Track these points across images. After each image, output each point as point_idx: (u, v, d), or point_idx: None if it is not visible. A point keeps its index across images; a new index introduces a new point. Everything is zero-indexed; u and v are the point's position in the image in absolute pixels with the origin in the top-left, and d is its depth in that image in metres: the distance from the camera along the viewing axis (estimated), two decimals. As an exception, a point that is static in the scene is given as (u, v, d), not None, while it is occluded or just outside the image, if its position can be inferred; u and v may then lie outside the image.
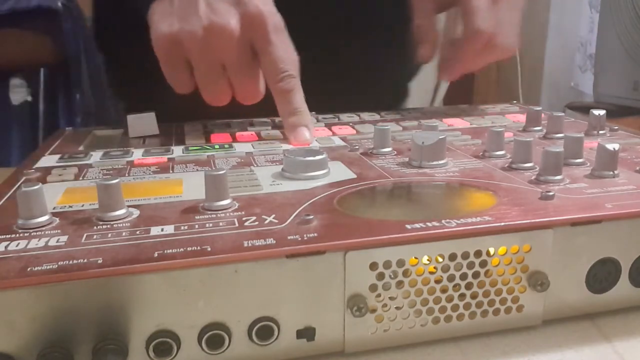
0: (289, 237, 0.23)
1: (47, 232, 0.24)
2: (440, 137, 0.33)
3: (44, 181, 0.32)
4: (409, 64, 0.69)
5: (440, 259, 0.24)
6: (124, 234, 0.24)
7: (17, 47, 1.18)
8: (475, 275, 0.24)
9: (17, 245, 0.23)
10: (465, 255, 0.24)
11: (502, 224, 0.24)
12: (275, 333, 0.23)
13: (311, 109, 0.49)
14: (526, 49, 1.92)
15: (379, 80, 0.64)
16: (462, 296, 0.24)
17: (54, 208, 0.27)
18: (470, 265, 0.24)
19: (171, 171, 0.34)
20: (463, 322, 0.25)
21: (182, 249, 0.22)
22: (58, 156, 0.38)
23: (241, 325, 0.22)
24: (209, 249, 0.22)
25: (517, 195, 0.27)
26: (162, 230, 0.24)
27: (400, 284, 0.23)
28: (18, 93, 1.24)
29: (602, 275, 0.26)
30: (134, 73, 0.58)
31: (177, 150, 0.39)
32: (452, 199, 0.29)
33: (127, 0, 0.55)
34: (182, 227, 0.24)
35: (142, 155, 0.38)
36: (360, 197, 0.29)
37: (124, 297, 0.21)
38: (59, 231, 0.24)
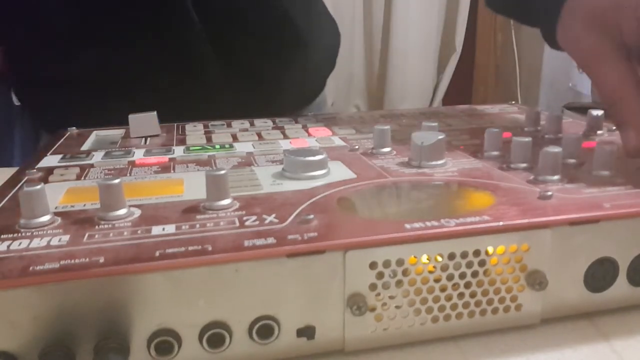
0: (289, 237, 0.23)
1: (49, 232, 0.24)
2: (440, 137, 0.33)
3: (46, 181, 0.33)
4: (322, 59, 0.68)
5: (439, 258, 0.24)
6: (125, 233, 0.24)
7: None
8: (474, 274, 0.24)
9: (19, 245, 0.23)
10: (464, 255, 0.24)
11: (501, 223, 0.24)
12: (276, 332, 0.23)
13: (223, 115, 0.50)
14: (525, 50, 1.93)
15: (288, 79, 0.63)
16: (461, 295, 0.24)
17: (55, 208, 0.27)
18: (469, 265, 0.24)
19: (172, 171, 0.34)
20: (462, 321, 0.25)
21: (183, 249, 0.22)
22: (60, 156, 0.38)
23: (242, 324, 0.23)
24: (210, 249, 0.22)
25: (515, 195, 0.28)
26: (163, 229, 0.24)
27: (399, 283, 0.24)
28: (19, 93, 1.24)
29: (600, 274, 0.26)
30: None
31: (178, 150, 0.39)
32: (451, 199, 0.30)
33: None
34: (183, 227, 0.24)
35: (144, 155, 0.38)
36: (360, 197, 0.29)
37: (125, 296, 0.21)
38: (60, 231, 0.24)
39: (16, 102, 1.23)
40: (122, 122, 0.45)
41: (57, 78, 0.56)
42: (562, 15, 0.37)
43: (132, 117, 0.44)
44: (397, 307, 0.24)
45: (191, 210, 0.27)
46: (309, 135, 0.43)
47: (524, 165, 0.32)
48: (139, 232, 0.24)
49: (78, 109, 0.55)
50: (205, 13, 0.54)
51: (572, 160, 0.33)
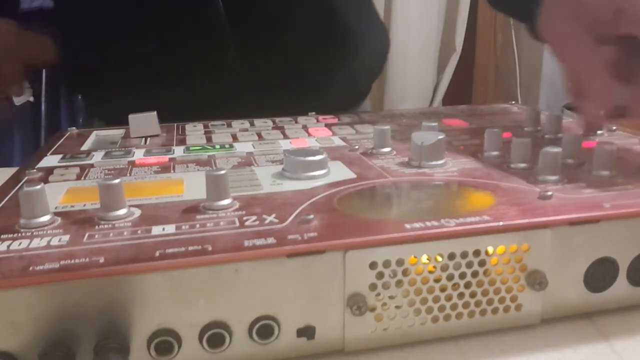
0: (289, 237, 0.23)
1: (49, 232, 0.24)
2: (440, 137, 0.33)
3: (46, 181, 0.33)
4: (368, 64, 0.68)
5: (439, 258, 0.24)
6: (125, 233, 0.24)
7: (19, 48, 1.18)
8: (474, 274, 0.24)
9: (19, 245, 0.23)
10: (464, 255, 0.24)
11: (501, 223, 0.24)
12: (276, 332, 0.23)
13: (265, 113, 0.50)
14: (525, 50, 1.93)
15: (335, 81, 0.63)
16: (461, 295, 0.25)
17: (55, 208, 0.27)
18: (469, 265, 0.24)
19: (172, 171, 0.34)
20: (462, 321, 0.25)
21: (183, 249, 0.22)
22: (60, 156, 0.38)
23: (242, 324, 0.23)
24: (210, 249, 0.22)
25: (515, 195, 0.28)
26: (163, 229, 0.24)
27: (399, 283, 0.24)
28: (20, 94, 1.24)
29: (600, 274, 0.26)
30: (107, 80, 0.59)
31: (178, 151, 0.39)
32: (450, 199, 0.30)
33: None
34: (183, 227, 0.24)
35: (144, 155, 0.38)
36: (360, 197, 0.29)
37: (125, 296, 0.21)
38: (60, 231, 0.24)
39: (17, 102, 1.23)
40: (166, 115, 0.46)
41: (105, 68, 0.58)
42: (544, 6, 0.39)
43: (132, 117, 0.44)
44: (397, 307, 0.24)
45: (191, 210, 0.27)
46: (309, 135, 0.43)
47: (524, 165, 0.32)
48: (139, 232, 0.24)
49: (125, 99, 0.57)
50: (238, 15, 0.55)
51: (572, 160, 0.33)
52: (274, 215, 0.26)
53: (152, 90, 0.55)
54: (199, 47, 0.56)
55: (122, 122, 0.45)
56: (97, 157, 0.38)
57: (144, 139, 0.44)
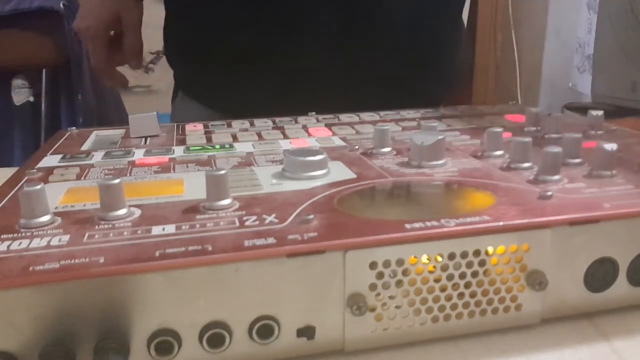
0: (289, 237, 0.23)
1: (49, 232, 0.24)
2: (440, 137, 0.33)
3: (46, 181, 0.33)
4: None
5: (439, 258, 0.24)
6: (125, 233, 0.24)
7: (19, 48, 1.19)
8: (474, 274, 0.24)
9: (19, 245, 0.23)
10: (464, 255, 0.24)
11: (501, 223, 0.24)
12: (276, 332, 0.23)
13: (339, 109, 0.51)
14: (525, 50, 1.93)
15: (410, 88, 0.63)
16: (461, 295, 0.24)
17: (55, 208, 0.27)
18: (469, 265, 0.24)
19: (172, 171, 0.34)
20: (462, 321, 0.25)
21: (183, 249, 0.22)
22: (60, 156, 0.38)
23: (242, 324, 0.23)
24: (210, 249, 0.22)
25: (515, 195, 0.28)
26: (163, 229, 0.24)
27: (399, 283, 0.24)
28: (20, 94, 1.24)
29: (600, 274, 0.26)
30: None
31: (178, 150, 0.39)
32: (451, 199, 0.30)
33: None
34: (183, 227, 0.24)
35: (144, 155, 0.38)
36: (360, 197, 0.29)
37: (125, 296, 0.21)
38: (60, 231, 0.24)
39: (17, 102, 1.23)
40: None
41: (205, 47, 0.61)
42: None
43: (132, 117, 0.44)
44: (397, 307, 0.24)
45: (191, 210, 0.27)
46: (309, 135, 0.43)
47: (524, 165, 0.32)
48: (139, 232, 0.24)
49: (220, 81, 0.60)
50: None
51: (572, 160, 0.33)
52: (274, 215, 0.26)
53: (245, 77, 0.56)
54: (295, 33, 0.57)
55: (214, 104, 0.45)
56: (97, 157, 0.38)
57: (144, 139, 0.44)
